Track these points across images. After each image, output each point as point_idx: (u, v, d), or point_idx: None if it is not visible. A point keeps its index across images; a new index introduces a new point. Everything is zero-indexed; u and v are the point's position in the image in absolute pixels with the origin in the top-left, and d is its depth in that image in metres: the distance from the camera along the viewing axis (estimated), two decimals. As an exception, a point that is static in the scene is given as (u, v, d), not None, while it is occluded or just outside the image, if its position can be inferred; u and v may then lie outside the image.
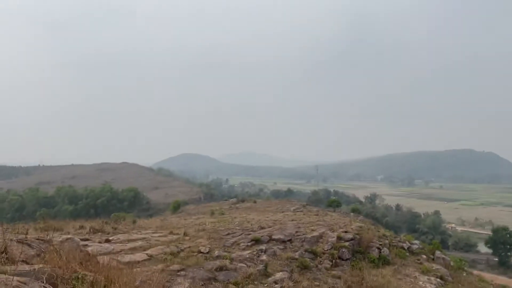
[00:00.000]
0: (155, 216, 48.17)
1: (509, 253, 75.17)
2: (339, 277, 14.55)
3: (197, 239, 16.58)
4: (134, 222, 24.02)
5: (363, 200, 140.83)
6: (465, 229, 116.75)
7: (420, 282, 15.59)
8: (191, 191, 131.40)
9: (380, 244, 18.94)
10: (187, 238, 16.89)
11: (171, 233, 17.85)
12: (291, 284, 12.23)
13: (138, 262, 11.77)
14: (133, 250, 13.38)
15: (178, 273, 11.32)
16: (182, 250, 14.04)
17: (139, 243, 14.63)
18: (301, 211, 35.39)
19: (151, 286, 7.49)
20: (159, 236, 16.76)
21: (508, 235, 75.02)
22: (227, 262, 13.01)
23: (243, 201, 51.74)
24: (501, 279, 58.74)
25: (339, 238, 18.56)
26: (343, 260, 16.62)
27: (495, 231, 77.74)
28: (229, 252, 14.72)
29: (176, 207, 56.11)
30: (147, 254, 12.95)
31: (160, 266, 11.53)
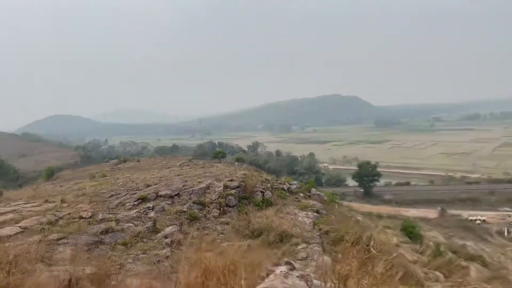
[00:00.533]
0: (25, 186, 43.73)
1: (371, 184, 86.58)
2: (227, 223, 15.21)
3: (77, 205, 15.58)
4: (0, 194, 21.51)
5: (246, 149, 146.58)
6: (336, 167, 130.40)
7: (299, 218, 17.14)
8: (65, 155, 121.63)
9: (263, 188, 20.08)
10: (65, 205, 15.76)
11: (46, 201, 16.44)
12: (181, 236, 12.41)
13: (10, 236, 10.69)
14: (3, 224, 12.06)
15: (58, 242, 10.61)
16: (60, 218, 13.09)
17: (9, 216, 13.21)
18: (188, 165, 35.44)
19: (28, 259, 6.91)
20: (32, 207, 15.31)
21: (370, 168, 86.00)
22: (113, 224, 12.57)
23: (125, 161, 49.63)
24: (367, 207, 67.85)
25: (226, 187, 19.19)
26: (230, 207, 17.31)
27: (360, 165, 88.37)
28: (114, 213, 14.20)
29: (50, 174, 51.47)
30: (20, 226, 11.80)
31: (37, 237, 10.64)
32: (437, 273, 19.87)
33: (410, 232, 30.41)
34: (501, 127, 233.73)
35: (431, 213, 71.67)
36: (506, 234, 58.13)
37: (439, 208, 71.92)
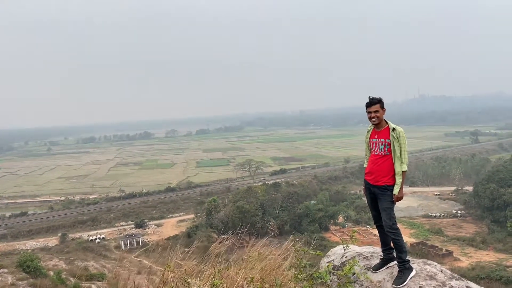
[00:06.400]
0: None
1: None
2: None
3: None
4: None
5: None
6: None
7: None
8: None
9: None
10: None
11: None
12: None
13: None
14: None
15: None
16: None
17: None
18: None
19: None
20: None
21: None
22: None
23: None
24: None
25: None
26: None
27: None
28: None
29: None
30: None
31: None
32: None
33: (28, 266, 27.83)
34: (114, 148, 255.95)
35: (52, 240, 68.86)
36: (123, 247, 63.67)
37: (59, 234, 70.12)
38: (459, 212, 76.11)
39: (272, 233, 60.85)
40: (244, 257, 4.21)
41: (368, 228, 64.77)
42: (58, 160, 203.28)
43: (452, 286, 4.02)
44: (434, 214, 75.74)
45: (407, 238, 61.40)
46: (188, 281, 3.44)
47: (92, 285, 26.22)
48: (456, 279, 4.21)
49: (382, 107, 4.52)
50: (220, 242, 4.56)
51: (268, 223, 65.54)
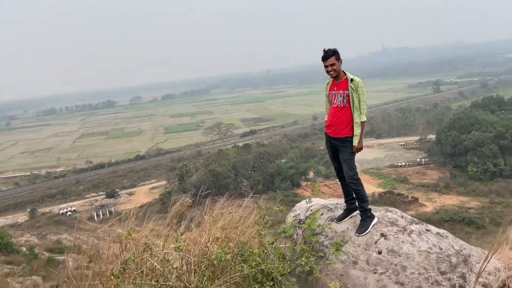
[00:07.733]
0: None
1: None
2: None
3: None
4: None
5: None
6: None
7: None
8: None
9: None
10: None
11: None
12: None
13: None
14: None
15: None
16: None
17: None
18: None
19: None
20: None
21: None
22: None
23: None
24: None
25: None
26: None
27: None
28: None
29: None
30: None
31: None
32: (34, 277, 18.80)
33: (-2, 244, 27.22)
34: (77, 119, 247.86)
35: (21, 216, 67.44)
36: (95, 218, 63.17)
37: (28, 210, 68.63)
38: (423, 160, 79.29)
39: (246, 193, 61.73)
40: (206, 216, 4.16)
41: (337, 182, 66.59)
42: (19, 135, 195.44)
43: (412, 230, 4.14)
44: (400, 164, 78.65)
45: (375, 188, 63.74)
46: (149, 246, 3.36)
47: (68, 257, 26.00)
48: (416, 223, 4.34)
49: (338, 58, 4.40)
50: (180, 204, 4.48)
51: (241, 184, 66.27)
